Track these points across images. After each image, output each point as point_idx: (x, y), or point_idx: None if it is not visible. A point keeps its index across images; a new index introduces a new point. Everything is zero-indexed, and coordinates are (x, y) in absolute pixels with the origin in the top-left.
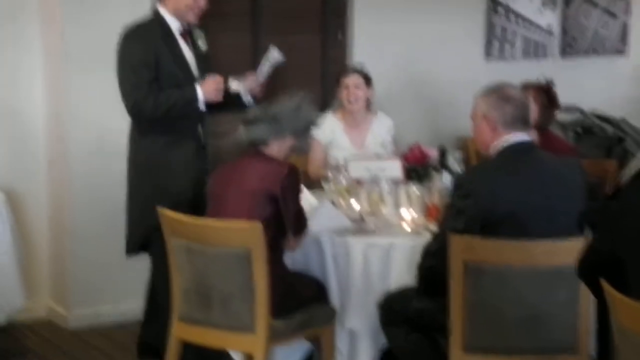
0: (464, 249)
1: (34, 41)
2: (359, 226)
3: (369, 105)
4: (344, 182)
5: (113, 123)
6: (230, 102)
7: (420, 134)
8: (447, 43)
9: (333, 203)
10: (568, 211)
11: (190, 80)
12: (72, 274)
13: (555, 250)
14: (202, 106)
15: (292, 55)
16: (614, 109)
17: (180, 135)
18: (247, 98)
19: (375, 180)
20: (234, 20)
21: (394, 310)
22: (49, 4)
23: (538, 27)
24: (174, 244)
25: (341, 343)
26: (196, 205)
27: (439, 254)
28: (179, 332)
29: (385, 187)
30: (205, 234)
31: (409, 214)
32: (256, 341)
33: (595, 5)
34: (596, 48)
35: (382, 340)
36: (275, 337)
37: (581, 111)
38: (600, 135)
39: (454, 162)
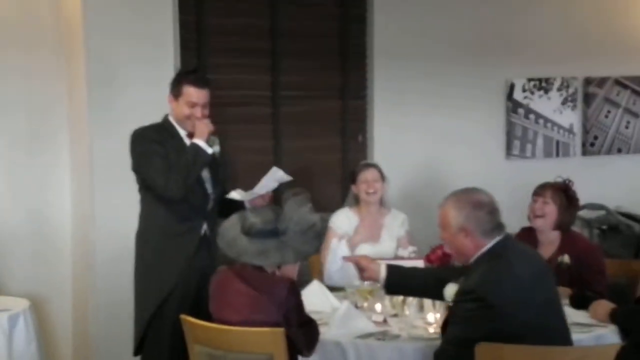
0: (491, 356)
1: (62, 151)
2: (383, 330)
3: (382, 202)
4: (366, 283)
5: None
6: (232, 208)
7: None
8: (467, 142)
9: (355, 305)
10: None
11: (198, 182)
12: None
13: (588, 358)
14: (209, 151)
15: (313, 157)
16: (638, 207)
17: (183, 231)
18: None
19: None
20: (256, 125)
21: None
22: (77, 117)
23: (559, 126)
24: (196, 351)
25: None
26: (199, 304)
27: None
28: None
29: None
30: (227, 340)
31: (433, 317)
32: None
33: (616, 104)
34: (618, 146)
35: None
36: None
37: (605, 209)
38: (627, 233)
39: None
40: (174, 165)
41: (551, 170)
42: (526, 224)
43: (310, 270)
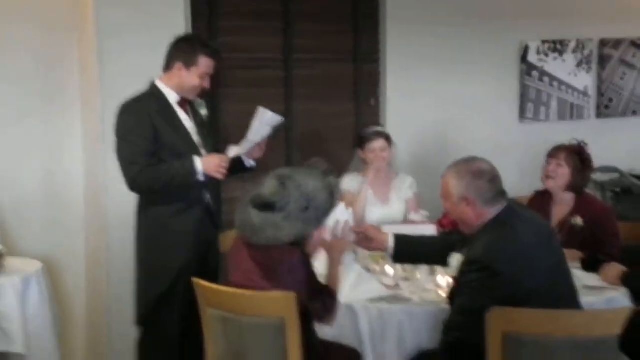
0: (503, 321)
1: (74, 117)
2: (394, 293)
3: (391, 166)
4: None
5: None
6: (232, 167)
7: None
8: (480, 106)
9: (367, 269)
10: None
11: (191, 149)
12: (108, 342)
13: (597, 321)
14: (201, 178)
15: (325, 121)
16: None
17: (185, 204)
18: (248, 162)
19: None
20: (268, 89)
21: None
22: (89, 83)
23: (573, 88)
24: (209, 314)
25: None
26: (202, 273)
27: (465, 327)
28: None
29: None
30: (239, 304)
31: (444, 280)
32: None
33: (631, 66)
34: (633, 109)
35: None
36: None
37: (619, 171)
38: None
39: None
40: (163, 162)
41: (565, 133)
42: (540, 186)
43: None
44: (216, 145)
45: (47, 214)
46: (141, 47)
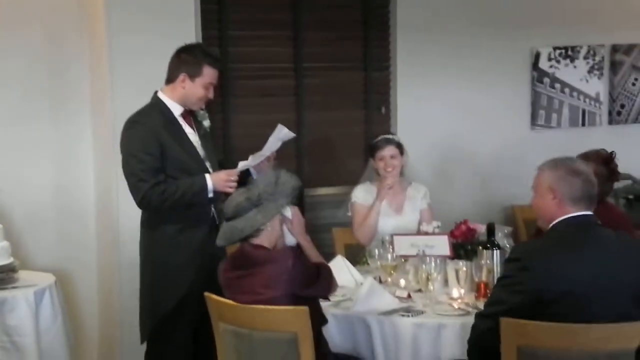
0: (517, 333)
1: (85, 127)
2: (407, 305)
3: (403, 174)
4: (390, 258)
5: None
6: (240, 181)
7: (465, 204)
8: (491, 113)
9: (379, 280)
10: (634, 295)
11: (197, 163)
12: (121, 355)
13: (613, 335)
14: (211, 194)
15: (335, 129)
16: None
17: (192, 220)
18: (254, 174)
19: (422, 257)
20: (278, 97)
21: None
22: (100, 91)
23: (585, 95)
24: (221, 329)
25: None
26: (210, 289)
27: (493, 330)
28: None
29: (433, 264)
30: (252, 319)
31: (458, 293)
32: None
33: None
34: None
35: None
36: None
37: (631, 178)
38: None
39: (503, 237)
40: (171, 178)
41: (577, 140)
42: None
43: (334, 244)
44: (223, 156)
45: (59, 226)
46: (152, 55)
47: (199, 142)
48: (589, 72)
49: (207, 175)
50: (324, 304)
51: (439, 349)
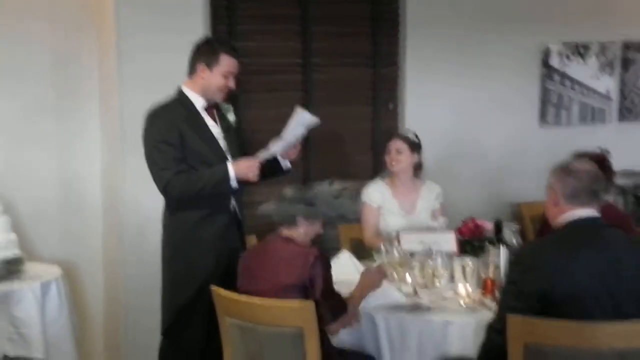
0: (524, 330)
1: (92, 121)
2: (413, 301)
3: (416, 172)
4: (396, 254)
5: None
6: (267, 170)
7: (473, 201)
8: (501, 110)
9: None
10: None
11: (218, 155)
12: (127, 347)
13: (622, 333)
14: (234, 184)
15: (343, 125)
16: None
17: (212, 211)
18: (285, 163)
19: (428, 253)
20: (286, 93)
21: None
22: (108, 86)
23: (595, 92)
24: (227, 323)
25: None
26: (229, 280)
27: (502, 332)
28: None
29: (439, 260)
30: (257, 313)
31: (464, 289)
32: None
33: None
34: None
35: None
36: None
37: None
38: None
39: (510, 234)
40: (193, 169)
41: (587, 138)
42: None
43: (340, 240)
44: (245, 150)
45: (65, 219)
46: (160, 49)
47: (222, 135)
48: (600, 69)
49: (228, 164)
50: None
51: (445, 345)
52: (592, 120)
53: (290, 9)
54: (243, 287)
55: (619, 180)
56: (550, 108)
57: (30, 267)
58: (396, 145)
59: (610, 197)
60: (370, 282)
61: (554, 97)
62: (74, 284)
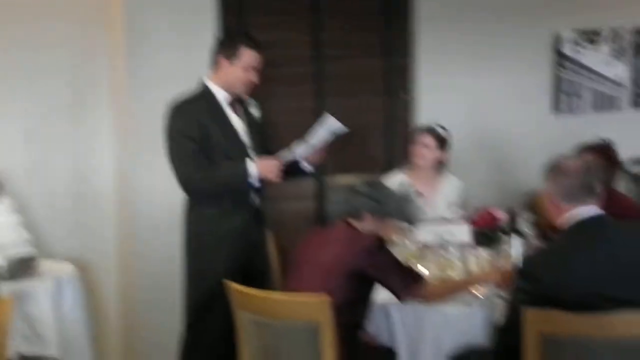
0: (541, 321)
1: (104, 117)
2: None
3: (439, 167)
4: (411, 246)
5: (179, 197)
6: (289, 171)
7: (487, 191)
8: (513, 99)
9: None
10: None
11: (240, 151)
12: (142, 344)
13: (639, 323)
14: (255, 182)
15: (355, 117)
16: None
17: (232, 205)
18: (304, 165)
19: (443, 245)
20: (298, 85)
21: None
22: (119, 83)
23: (607, 79)
24: (242, 317)
25: None
26: (249, 275)
27: (511, 331)
28: None
29: (454, 251)
30: (272, 308)
31: None
32: None
33: None
34: None
35: None
36: None
37: None
38: None
39: (525, 224)
40: (215, 164)
41: (600, 125)
42: None
43: None
44: (267, 146)
45: (78, 216)
46: (170, 43)
47: (245, 131)
48: (612, 55)
49: (249, 162)
50: None
51: (460, 336)
52: (606, 107)
53: (301, 1)
54: (288, 280)
55: (633, 169)
56: (563, 96)
57: (45, 265)
58: (425, 140)
59: (622, 185)
60: (494, 278)
61: (566, 84)
62: (89, 281)
